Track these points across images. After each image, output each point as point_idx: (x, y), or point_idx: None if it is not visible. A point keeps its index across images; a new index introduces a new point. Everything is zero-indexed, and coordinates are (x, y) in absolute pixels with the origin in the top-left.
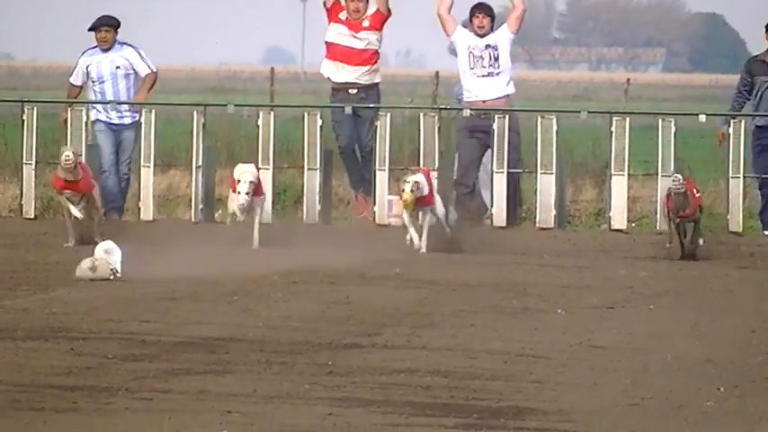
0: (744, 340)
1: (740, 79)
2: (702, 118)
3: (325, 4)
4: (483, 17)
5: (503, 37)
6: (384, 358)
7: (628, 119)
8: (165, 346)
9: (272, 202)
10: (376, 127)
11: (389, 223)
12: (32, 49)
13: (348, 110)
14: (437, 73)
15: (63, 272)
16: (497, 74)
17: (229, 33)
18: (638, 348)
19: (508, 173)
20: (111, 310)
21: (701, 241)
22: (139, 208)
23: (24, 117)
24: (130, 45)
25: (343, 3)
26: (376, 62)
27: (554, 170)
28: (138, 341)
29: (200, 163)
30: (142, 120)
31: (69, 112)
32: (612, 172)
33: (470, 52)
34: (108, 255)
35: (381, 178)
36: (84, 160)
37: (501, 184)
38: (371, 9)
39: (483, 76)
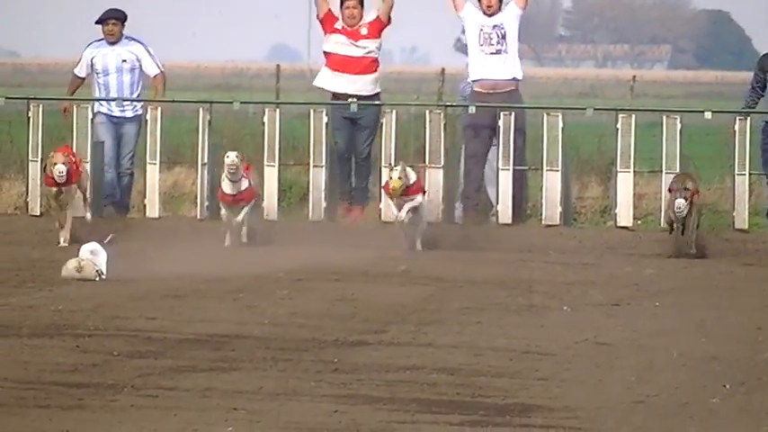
0: (749, 337)
1: (753, 76)
2: (708, 115)
3: (318, 16)
4: None
5: (511, 15)
6: (390, 355)
7: (633, 116)
8: (171, 344)
9: (278, 200)
10: (373, 138)
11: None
12: (38, 47)
13: (353, 107)
14: (443, 70)
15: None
16: (506, 51)
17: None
18: (644, 345)
19: (514, 170)
20: (116, 307)
21: (692, 251)
22: (145, 205)
23: (30, 114)
24: (139, 41)
25: (336, 13)
26: (376, 70)
27: (560, 167)
28: (143, 338)
29: (206, 160)
30: (148, 117)
31: (75, 110)
32: (618, 169)
33: (481, 29)
34: (94, 256)
35: (387, 175)
36: (89, 158)
37: (506, 182)
38: (370, 16)
39: (492, 53)
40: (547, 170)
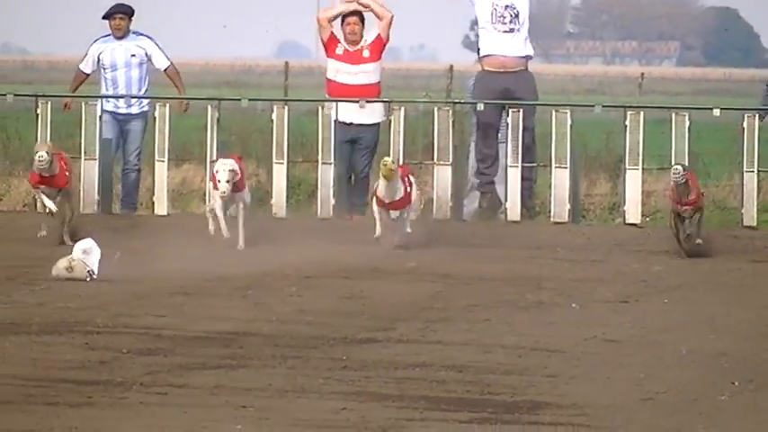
0: (758, 334)
1: None
2: (716, 112)
3: (322, 40)
4: None
5: None
6: (398, 353)
7: (642, 113)
8: (180, 341)
9: (287, 197)
10: (372, 157)
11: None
12: (47, 44)
13: (353, 129)
14: (451, 67)
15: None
16: (518, 30)
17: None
18: (652, 342)
19: (522, 167)
20: (125, 304)
21: (698, 240)
22: (153, 202)
23: (38, 111)
24: (147, 36)
25: (338, 34)
26: (376, 95)
27: (568, 164)
28: (152, 336)
29: (215, 157)
30: (156, 114)
31: (83, 106)
32: (626, 166)
33: (493, 8)
34: (86, 255)
35: None
36: (97, 155)
37: (515, 179)
38: (372, 35)
39: (504, 32)
40: (555, 167)
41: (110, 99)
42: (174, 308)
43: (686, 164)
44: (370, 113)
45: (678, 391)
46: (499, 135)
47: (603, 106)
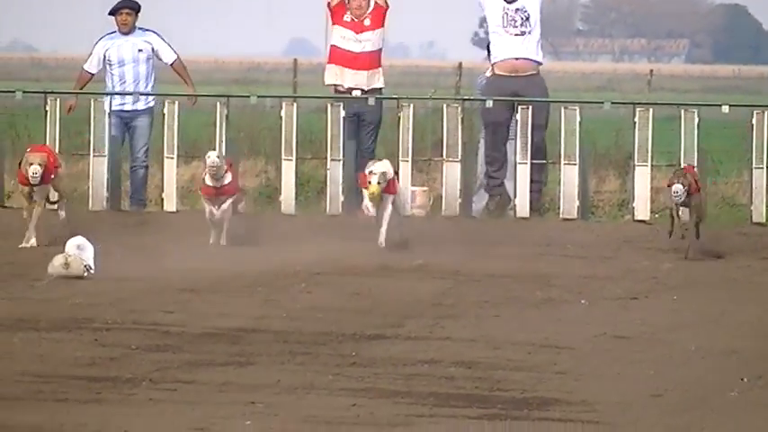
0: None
1: None
2: (725, 109)
3: (329, 4)
4: None
5: (533, 0)
6: (407, 349)
7: (651, 110)
8: (189, 337)
9: (296, 194)
10: (377, 132)
11: (412, 214)
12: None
13: (356, 93)
14: (460, 64)
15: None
16: (530, 32)
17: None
18: (662, 339)
19: (532, 164)
20: (134, 300)
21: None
22: (162, 199)
23: (47, 108)
24: (153, 31)
25: (346, 2)
26: (378, 64)
27: (577, 161)
28: (161, 332)
29: (224, 154)
30: (165, 111)
31: (92, 103)
32: (636, 163)
33: (504, 12)
34: (80, 251)
35: (404, 170)
36: (106, 152)
37: (524, 175)
38: (371, 5)
39: (516, 35)
40: (564, 164)
41: (114, 96)
42: (183, 304)
43: (688, 179)
44: (366, 78)
45: (688, 387)
46: (509, 133)
47: (613, 103)
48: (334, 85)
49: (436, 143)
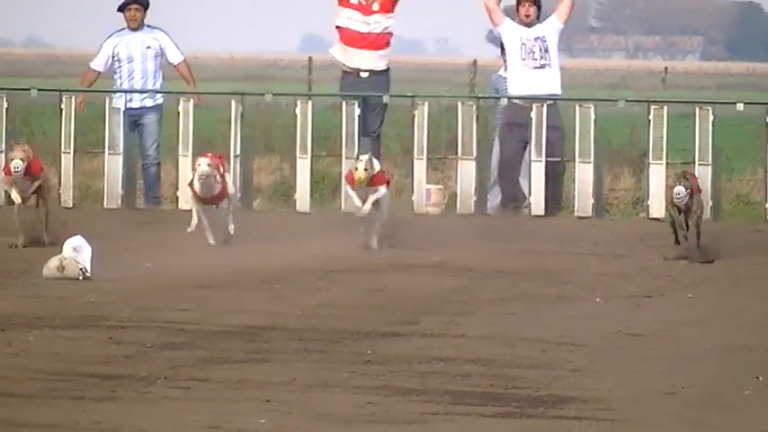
0: None
1: None
2: (740, 106)
3: None
4: (529, 6)
5: (552, 28)
6: (422, 346)
7: (665, 107)
8: (204, 335)
9: (310, 191)
10: (384, 114)
11: (427, 212)
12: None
13: (365, 84)
14: (475, 61)
15: (100, 260)
16: (549, 65)
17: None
18: (676, 337)
19: (547, 162)
20: (148, 298)
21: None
22: (177, 197)
23: (62, 106)
24: (161, 29)
25: None
26: (386, 46)
27: (592, 159)
28: (176, 329)
29: (238, 152)
30: (180, 109)
31: (107, 101)
32: (650, 160)
33: (523, 44)
34: (77, 253)
35: (419, 167)
36: (121, 149)
37: (539, 173)
38: None
39: (536, 68)
40: (579, 162)
41: (122, 95)
42: (198, 302)
43: (689, 181)
44: (373, 59)
45: (702, 385)
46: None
47: (627, 101)
48: (342, 68)
49: (451, 141)
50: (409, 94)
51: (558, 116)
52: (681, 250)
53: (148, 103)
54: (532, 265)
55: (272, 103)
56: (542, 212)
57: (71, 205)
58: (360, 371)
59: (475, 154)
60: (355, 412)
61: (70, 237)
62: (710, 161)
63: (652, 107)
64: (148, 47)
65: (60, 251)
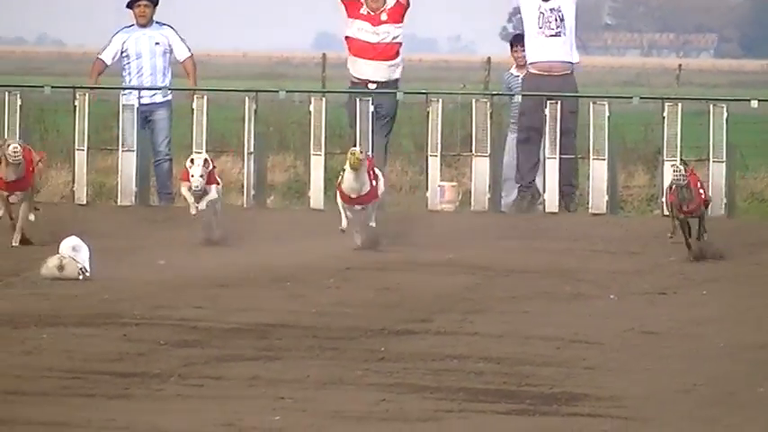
0: None
1: None
2: (754, 104)
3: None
4: None
5: (568, 0)
6: (436, 344)
7: (680, 104)
8: (217, 332)
9: (324, 189)
10: (392, 126)
11: (441, 209)
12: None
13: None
14: (489, 59)
15: (113, 258)
16: (564, 34)
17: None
18: (690, 334)
19: (561, 158)
20: (161, 296)
21: (705, 236)
22: None
23: (76, 103)
24: (170, 26)
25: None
26: (396, 56)
27: (606, 156)
28: (189, 327)
29: (252, 149)
30: (194, 106)
31: (121, 98)
32: (664, 158)
33: (540, 13)
34: (75, 252)
35: (433, 164)
36: (135, 146)
37: (553, 170)
38: (391, 2)
39: (551, 36)
40: (593, 159)
41: (131, 92)
42: (212, 299)
43: (687, 164)
44: (382, 70)
45: (716, 383)
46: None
47: (641, 98)
48: (352, 79)
49: (465, 138)
50: (423, 91)
51: (575, 91)
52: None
53: (158, 99)
54: (546, 263)
55: (286, 101)
56: (556, 209)
57: (85, 202)
58: (373, 368)
59: (489, 151)
60: (369, 410)
61: (66, 237)
62: (725, 158)
63: (666, 104)
64: (157, 43)
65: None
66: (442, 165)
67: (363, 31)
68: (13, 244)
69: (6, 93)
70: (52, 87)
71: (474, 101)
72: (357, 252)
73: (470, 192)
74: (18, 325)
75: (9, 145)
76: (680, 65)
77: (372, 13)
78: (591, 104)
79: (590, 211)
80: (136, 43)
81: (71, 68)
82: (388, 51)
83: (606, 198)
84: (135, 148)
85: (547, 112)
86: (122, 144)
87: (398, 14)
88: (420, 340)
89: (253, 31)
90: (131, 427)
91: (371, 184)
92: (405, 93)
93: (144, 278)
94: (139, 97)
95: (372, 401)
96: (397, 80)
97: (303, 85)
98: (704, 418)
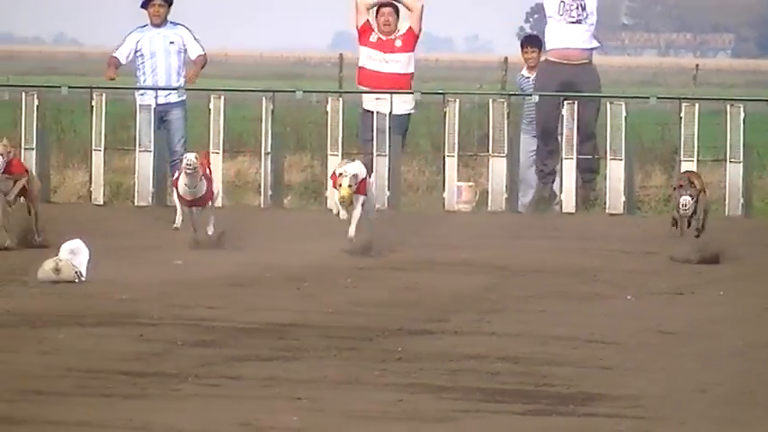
0: None
1: None
2: None
3: (356, 26)
4: None
5: None
6: (453, 344)
7: (697, 104)
8: (234, 332)
9: None
10: (403, 143)
11: (458, 209)
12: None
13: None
14: (506, 59)
15: (131, 258)
16: (584, 21)
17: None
18: (708, 334)
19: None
20: (178, 295)
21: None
22: None
23: (93, 103)
24: (184, 25)
25: (373, 23)
26: (408, 87)
27: (623, 156)
28: (206, 327)
29: (269, 149)
30: (211, 106)
31: (137, 98)
32: (681, 158)
33: (562, 1)
34: (73, 255)
35: (450, 164)
36: (152, 147)
37: (570, 170)
38: (405, 27)
39: (572, 22)
40: (610, 159)
41: (146, 92)
42: (228, 299)
43: (694, 187)
44: (398, 104)
45: (734, 382)
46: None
47: (658, 98)
48: (363, 108)
49: (482, 138)
50: (440, 92)
51: (597, 81)
52: (686, 252)
53: (173, 98)
54: (563, 263)
55: (303, 101)
56: (573, 209)
57: (102, 203)
58: (390, 368)
59: (506, 151)
60: (386, 410)
61: (69, 239)
62: (741, 158)
63: (683, 104)
64: (171, 42)
65: (56, 253)
66: (459, 165)
67: (374, 60)
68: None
69: (23, 93)
70: (69, 87)
71: (491, 101)
72: (373, 252)
73: (487, 192)
74: (36, 325)
75: None
76: (697, 65)
77: (384, 39)
78: (608, 104)
79: (607, 211)
80: (150, 42)
81: (88, 68)
82: (398, 81)
83: (623, 198)
84: (152, 148)
85: (564, 112)
86: (139, 144)
87: (411, 42)
88: (437, 340)
89: (270, 32)
90: (148, 427)
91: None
92: (422, 93)
93: (161, 278)
94: (155, 97)
95: (389, 401)
96: (408, 115)
97: (320, 85)
98: (721, 417)
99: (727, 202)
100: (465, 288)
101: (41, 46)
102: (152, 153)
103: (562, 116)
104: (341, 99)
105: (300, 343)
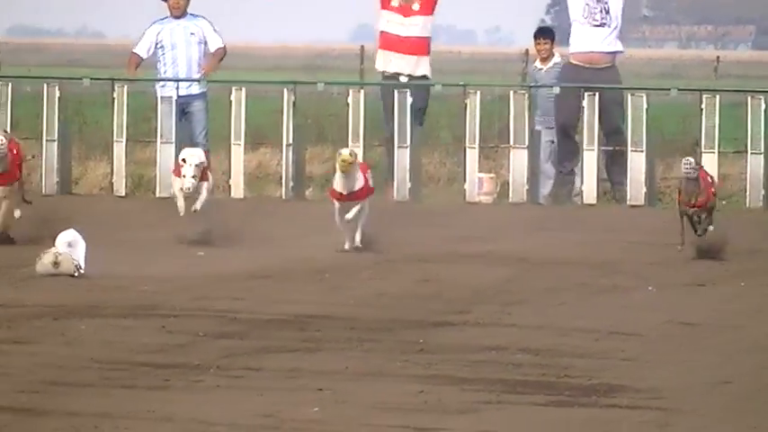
0: None
1: None
2: None
3: None
4: None
5: None
6: (474, 336)
7: (718, 96)
8: (256, 324)
9: None
10: (422, 120)
11: (479, 201)
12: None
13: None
14: (527, 51)
15: (153, 249)
16: (608, 24)
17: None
18: (729, 326)
19: (599, 150)
20: (201, 287)
21: (710, 228)
22: (230, 186)
23: (115, 95)
24: (204, 17)
25: None
26: (426, 51)
27: (644, 148)
28: (229, 319)
29: (291, 141)
30: (232, 98)
31: (159, 90)
32: (702, 149)
33: (586, 4)
34: (71, 248)
35: (471, 156)
36: (173, 138)
37: (591, 162)
38: None
39: (595, 26)
40: (631, 150)
41: (167, 84)
42: (251, 291)
43: (700, 186)
44: (413, 64)
45: (755, 374)
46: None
47: (679, 90)
48: (382, 71)
49: (503, 130)
50: (461, 84)
51: (619, 82)
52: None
53: (195, 90)
54: (584, 255)
55: (324, 93)
56: (594, 201)
57: (123, 194)
58: (412, 360)
59: (527, 143)
60: (408, 401)
61: (63, 231)
62: (762, 150)
63: (704, 96)
64: (192, 33)
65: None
66: (479, 156)
67: (393, 23)
68: None
69: (45, 85)
70: (91, 79)
71: (512, 93)
72: (395, 244)
73: (508, 183)
74: (58, 316)
75: None
76: (718, 57)
77: (404, 3)
78: (629, 96)
79: (628, 202)
80: (170, 34)
81: (110, 60)
82: (417, 45)
83: (644, 190)
84: (173, 139)
85: (585, 103)
86: (161, 136)
87: (430, 5)
88: (458, 332)
89: (291, 23)
90: (171, 418)
91: (365, 181)
92: (443, 85)
93: (183, 270)
94: (177, 88)
95: (411, 393)
96: (424, 76)
97: (341, 76)
98: (742, 409)
99: (747, 193)
100: (486, 280)
101: (65, 38)
102: (173, 144)
103: (583, 108)
104: (362, 91)
105: (322, 334)
